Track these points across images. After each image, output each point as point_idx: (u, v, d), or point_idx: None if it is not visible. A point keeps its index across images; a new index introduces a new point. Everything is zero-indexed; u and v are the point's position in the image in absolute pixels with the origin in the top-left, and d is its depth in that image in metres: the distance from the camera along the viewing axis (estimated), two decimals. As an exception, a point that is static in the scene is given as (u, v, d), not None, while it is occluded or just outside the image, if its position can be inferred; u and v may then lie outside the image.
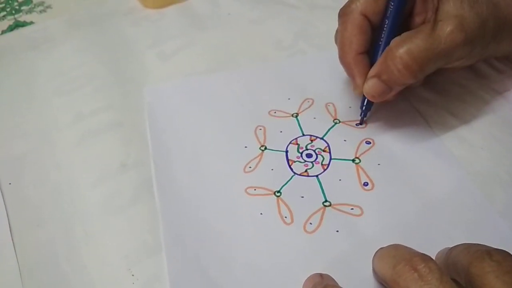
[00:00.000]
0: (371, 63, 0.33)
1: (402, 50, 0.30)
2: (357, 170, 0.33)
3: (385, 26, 0.33)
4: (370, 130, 0.35)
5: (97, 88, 0.41)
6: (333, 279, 0.27)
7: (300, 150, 0.35)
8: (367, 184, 0.32)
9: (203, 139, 0.36)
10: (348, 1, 0.34)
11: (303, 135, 0.36)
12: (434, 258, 0.25)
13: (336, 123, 0.36)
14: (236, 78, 0.41)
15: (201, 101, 0.39)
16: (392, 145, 0.34)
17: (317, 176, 0.33)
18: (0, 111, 0.40)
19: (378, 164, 0.33)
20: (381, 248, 0.26)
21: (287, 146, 0.35)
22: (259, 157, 0.35)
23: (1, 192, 0.34)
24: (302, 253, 0.29)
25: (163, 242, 0.30)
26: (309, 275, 0.27)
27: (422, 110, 0.36)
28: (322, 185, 0.32)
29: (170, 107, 0.39)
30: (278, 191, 0.32)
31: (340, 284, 0.26)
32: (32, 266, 0.30)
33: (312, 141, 0.35)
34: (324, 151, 0.34)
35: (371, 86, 0.32)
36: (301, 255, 0.29)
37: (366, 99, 0.35)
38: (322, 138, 0.35)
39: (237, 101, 0.39)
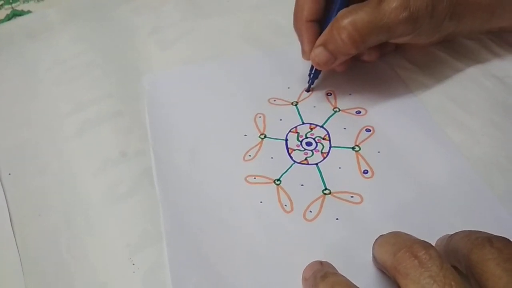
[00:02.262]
0: (322, 32, 0.34)
1: (347, 21, 0.31)
2: (357, 158, 0.33)
3: None
4: (370, 118, 0.35)
5: (96, 77, 0.41)
6: (333, 267, 0.27)
7: (300, 139, 0.35)
8: (367, 172, 0.32)
9: (203, 127, 0.36)
10: None
11: (303, 123, 0.36)
12: (434, 245, 0.25)
13: (336, 112, 0.36)
14: (236, 66, 0.41)
15: (201, 89, 0.39)
16: (392, 133, 0.34)
17: (317, 164, 0.33)
18: (-1, 101, 0.40)
19: (378, 152, 0.33)
20: (381, 235, 0.26)
21: (287, 135, 0.35)
22: (259, 145, 0.34)
23: (1, 182, 0.34)
24: (302, 241, 0.29)
25: (164, 231, 0.30)
26: (309, 263, 0.27)
27: (421, 97, 0.36)
28: (322, 173, 0.32)
29: (169, 95, 0.39)
30: (278, 180, 0.32)
31: (340, 271, 0.26)
32: (33, 256, 0.30)
33: (311, 129, 0.35)
34: (324, 139, 0.34)
35: (317, 54, 0.34)
36: (301, 243, 0.29)
37: (313, 67, 0.36)
38: (322, 126, 0.35)
39: (237, 89, 0.39)
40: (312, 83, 0.37)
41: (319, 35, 0.34)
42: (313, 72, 0.37)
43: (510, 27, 0.37)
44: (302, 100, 0.37)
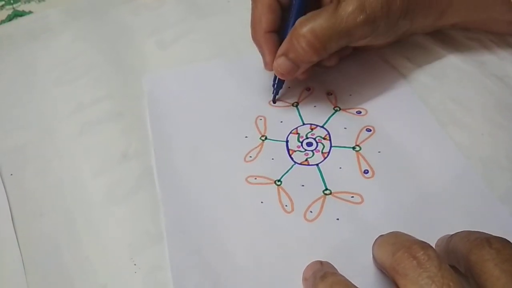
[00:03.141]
0: (281, 42, 0.34)
1: (306, 29, 0.31)
2: (358, 157, 0.33)
3: (293, 5, 0.34)
4: (370, 118, 0.35)
5: (96, 77, 0.41)
6: (333, 267, 0.27)
7: (301, 140, 0.35)
8: (367, 172, 0.32)
9: (204, 128, 0.36)
10: None
11: (303, 124, 0.36)
12: (434, 245, 0.25)
13: (336, 111, 0.36)
14: (236, 66, 0.41)
15: (201, 89, 0.39)
16: (393, 133, 0.34)
17: (317, 164, 0.33)
18: (0, 102, 0.40)
19: (379, 152, 0.33)
20: (381, 235, 0.26)
21: (288, 136, 0.35)
22: (260, 147, 0.35)
23: (3, 183, 0.34)
24: (303, 241, 0.29)
25: (165, 231, 0.30)
26: (309, 263, 0.27)
27: (422, 96, 0.36)
28: (323, 173, 0.32)
29: (170, 96, 0.39)
30: (279, 180, 0.32)
31: (340, 271, 0.26)
32: (35, 256, 0.30)
33: (312, 129, 0.35)
34: (324, 139, 0.34)
35: (279, 64, 0.34)
36: (302, 243, 0.29)
37: (277, 77, 0.36)
38: (322, 126, 0.35)
39: (238, 90, 0.39)
40: (277, 93, 0.37)
41: (279, 45, 0.34)
42: (276, 82, 0.37)
43: (462, 24, 0.38)
44: (303, 99, 0.37)
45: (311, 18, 0.32)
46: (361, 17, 0.31)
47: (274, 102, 0.37)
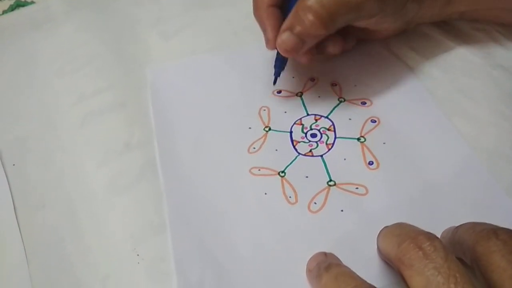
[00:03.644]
0: (284, 18, 0.33)
1: (313, 0, 0.30)
2: (362, 149, 0.33)
3: None
4: (375, 109, 0.35)
5: (99, 68, 0.41)
6: (337, 258, 0.27)
7: (305, 130, 0.34)
8: (372, 163, 0.32)
9: (207, 119, 0.36)
10: None
11: (308, 114, 0.35)
12: (439, 237, 0.25)
13: (341, 102, 0.36)
14: (240, 57, 0.40)
15: (205, 80, 0.39)
16: (398, 124, 0.34)
17: (321, 156, 0.33)
18: (2, 92, 0.40)
19: (384, 143, 0.33)
20: (386, 226, 0.26)
21: (292, 127, 0.35)
22: (263, 138, 0.34)
23: (5, 173, 0.34)
24: (307, 232, 0.29)
25: (168, 222, 0.30)
26: (313, 254, 0.27)
27: (428, 86, 0.36)
28: (327, 164, 0.32)
29: (173, 87, 0.39)
30: (283, 172, 0.32)
31: (344, 262, 0.26)
32: (37, 247, 0.30)
33: (316, 120, 0.35)
34: (328, 129, 0.34)
35: (284, 39, 0.32)
36: (306, 235, 0.29)
37: (278, 57, 0.35)
38: (326, 117, 0.35)
39: (241, 81, 0.38)
40: (279, 74, 0.36)
41: (282, 21, 0.33)
42: (278, 62, 0.35)
43: (469, 13, 0.37)
44: (307, 90, 0.37)
45: None
46: None
47: (275, 84, 0.37)
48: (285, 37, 0.32)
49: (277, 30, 0.33)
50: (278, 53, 0.35)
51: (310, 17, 0.30)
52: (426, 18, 0.36)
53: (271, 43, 0.34)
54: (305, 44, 0.32)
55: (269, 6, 0.34)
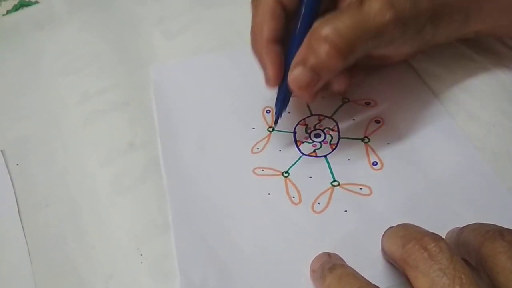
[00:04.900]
0: (286, 54, 0.31)
1: (328, 28, 0.27)
2: (366, 149, 0.33)
3: (302, 11, 0.30)
4: (379, 109, 0.35)
5: (102, 67, 0.41)
6: (341, 258, 0.27)
7: (308, 131, 0.34)
8: (376, 164, 0.32)
9: (210, 119, 0.36)
10: None
11: (311, 115, 0.35)
12: (444, 237, 0.25)
13: (345, 102, 0.36)
14: (243, 57, 0.40)
15: (208, 80, 0.39)
16: (402, 124, 0.34)
17: (325, 156, 0.33)
18: (6, 91, 0.40)
19: (388, 144, 0.33)
20: (391, 227, 0.26)
21: (295, 127, 0.35)
22: (267, 138, 0.34)
23: (9, 172, 0.34)
24: (310, 233, 0.29)
25: (171, 222, 0.30)
26: (317, 255, 0.27)
27: (432, 86, 0.35)
28: (331, 165, 0.32)
29: (176, 86, 0.38)
30: (286, 172, 0.32)
31: (348, 263, 0.26)
32: (40, 246, 0.30)
33: (320, 120, 0.35)
34: (332, 130, 0.34)
35: (297, 75, 0.28)
36: (309, 235, 0.29)
37: (281, 95, 0.32)
38: (330, 117, 0.35)
39: (245, 81, 0.38)
40: (281, 114, 0.33)
41: (283, 57, 0.30)
42: (280, 100, 0.32)
43: (486, 30, 0.34)
44: (311, 91, 0.37)
45: (331, 18, 0.27)
46: (389, 14, 0.27)
47: (275, 124, 0.34)
48: (298, 72, 0.28)
49: (277, 66, 0.31)
50: (279, 92, 0.32)
51: (326, 48, 0.27)
52: (441, 40, 0.34)
53: (272, 81, 0.31)
54: (320, 79, 0.29)
55: (269, 42, 0.31)
